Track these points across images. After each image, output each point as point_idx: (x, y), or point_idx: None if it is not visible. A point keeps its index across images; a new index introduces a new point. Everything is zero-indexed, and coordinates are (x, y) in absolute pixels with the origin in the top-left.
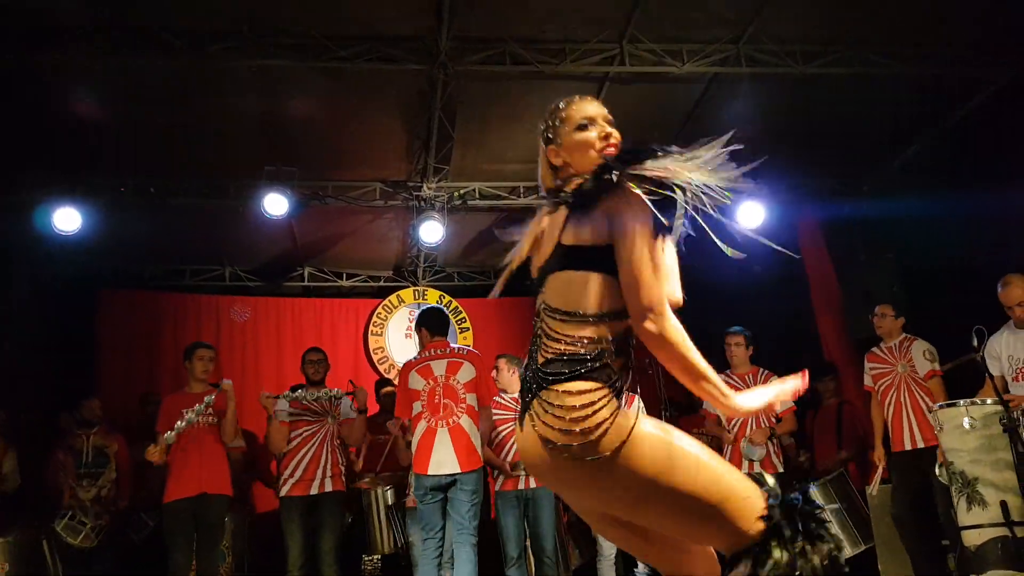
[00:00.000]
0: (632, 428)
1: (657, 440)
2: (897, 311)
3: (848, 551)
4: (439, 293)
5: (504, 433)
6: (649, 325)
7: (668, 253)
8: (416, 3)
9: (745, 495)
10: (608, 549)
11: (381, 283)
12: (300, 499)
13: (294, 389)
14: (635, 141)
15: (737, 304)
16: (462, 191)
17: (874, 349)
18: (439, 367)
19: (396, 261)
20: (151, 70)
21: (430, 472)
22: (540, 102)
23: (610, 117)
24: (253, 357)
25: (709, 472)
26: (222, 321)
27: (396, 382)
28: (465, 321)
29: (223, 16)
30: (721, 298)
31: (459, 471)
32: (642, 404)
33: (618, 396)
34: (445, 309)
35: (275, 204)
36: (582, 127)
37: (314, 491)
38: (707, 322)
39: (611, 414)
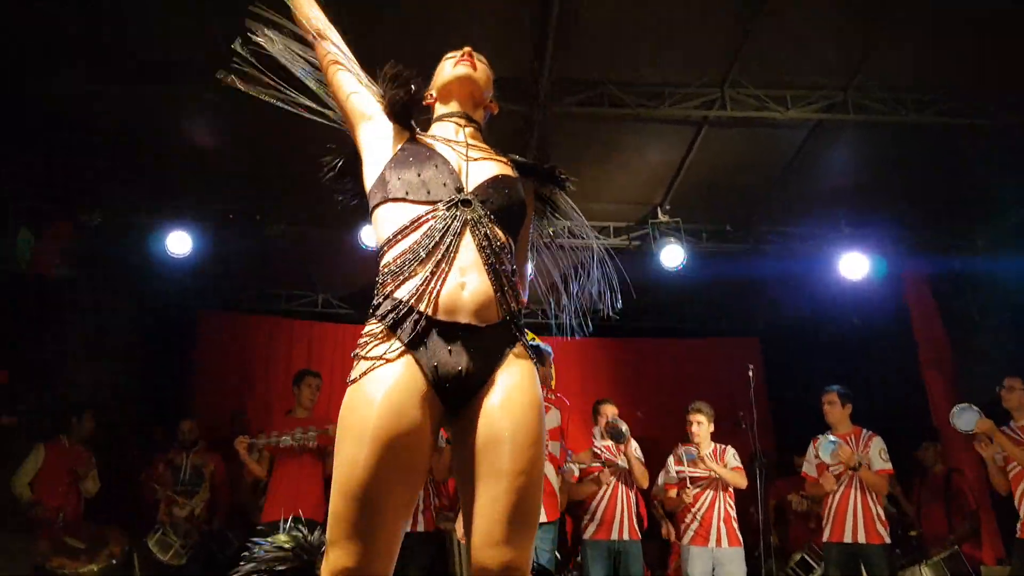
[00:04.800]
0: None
1: (350, 389)
2: None
3: None
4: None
5: (591, 491)
6: None
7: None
8: (516, 45)
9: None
10: None
11: None
12: None
13: None
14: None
15: (837, 359)
16: (552, 229)
17: (1004, 429)
18: None
19: None
20: (257, 100)
21: None
22: (636, 143)
23: (479, 55)
24: (340, 383)
25: (333, 485)
26: (313, 346)
27: None
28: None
29: None
30: (821, 352)
31: (545, 520)
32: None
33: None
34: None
35: (373, 236)
36: (448, 58)
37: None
38: (804, 377)
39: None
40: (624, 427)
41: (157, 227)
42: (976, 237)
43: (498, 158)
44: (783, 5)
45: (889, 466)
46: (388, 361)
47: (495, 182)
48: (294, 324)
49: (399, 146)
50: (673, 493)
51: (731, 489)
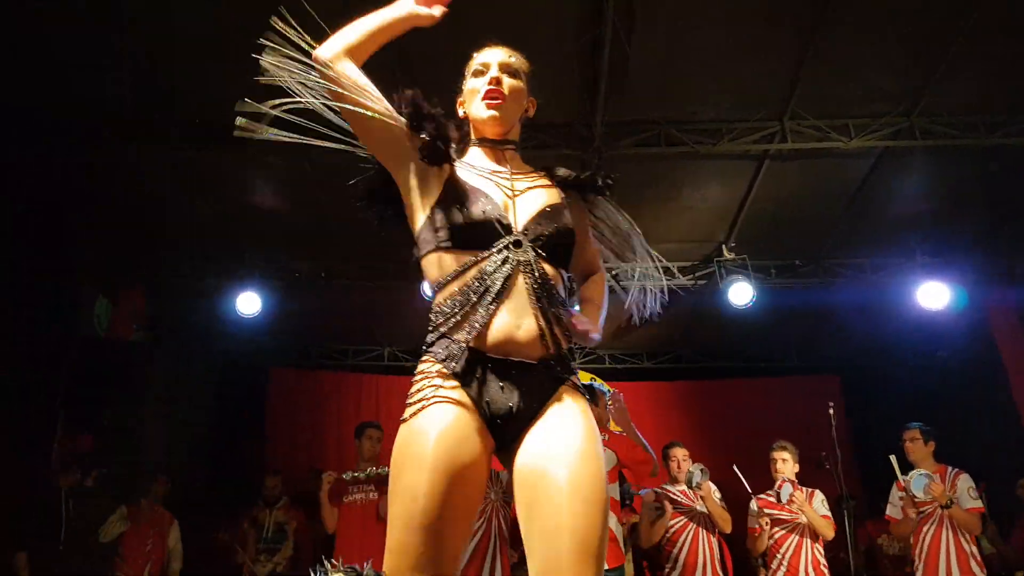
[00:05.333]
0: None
1: (404, 426)
2: None
3: None
4: (590, 375)
5: (676, 527)
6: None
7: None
8: (568, 90)
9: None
10: None
11: None
12: None
13: None
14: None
15: (923, 394)
16: (614, 272)
17: None
18: None
19: None
20: (325, 163)
21: None
22: (696, 181)
23: (513, 63)
24: None
25: (392, 517)
26: (381, 400)
27: None
28: None
29: None
30: (905, 387)
31: (607, 567)
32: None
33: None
34: (602, 386)
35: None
36: (476, 73)
37: None
38: (888, 413)
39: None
40: (698, 471)
41: (227, 289)
42: None
43: (542, 182)
44: (839, 34)
45: (980, 504)
46: (441, 398)
47: (542, 216)
48: (362, 379)
49: (442, 184)
50: (757, 535)
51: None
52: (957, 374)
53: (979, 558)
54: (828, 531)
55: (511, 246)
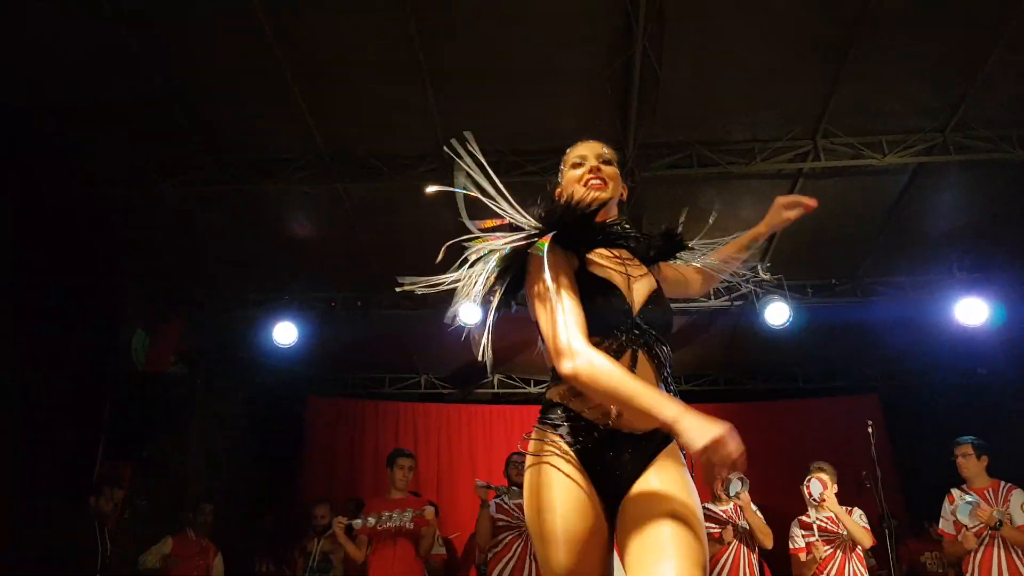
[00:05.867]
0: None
1: (530, 490)
2: None
3: None
4: None
5: (714, 553)
6: (563, 368)
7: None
8: (601, 114)
9: None
10: None
11: None
12: None
13: (499, 493)
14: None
15: (964, 412)
16: None
17: None
18: None
19: None
20: (360, 193)
21: None
22: (729, 202)
23: (606, 154)
24: (447, 463)
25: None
26: (418, 428)
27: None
28: None
29: (424, 141)
30: (946, 405)
31: None
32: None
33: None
34: None
35: (470, 313)
36: (575, 165)
37: None
38: (929, 432)
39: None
40: (737, 479)
41: (264, 319)
42: None
43: (644, 268)
44: (869, 52)
45: None
46: (558, 467)
47: (651, 301)
48: (399, 407)
49: (573, 272)
50: (803, 556)
51: (859, 551)
52: (997, 391)
53: None
54: (866, 538)
55: (634, 329)
